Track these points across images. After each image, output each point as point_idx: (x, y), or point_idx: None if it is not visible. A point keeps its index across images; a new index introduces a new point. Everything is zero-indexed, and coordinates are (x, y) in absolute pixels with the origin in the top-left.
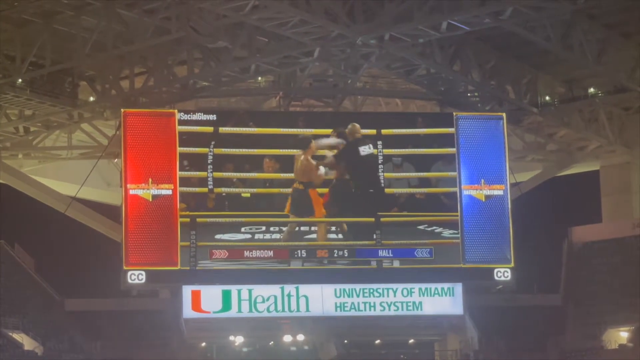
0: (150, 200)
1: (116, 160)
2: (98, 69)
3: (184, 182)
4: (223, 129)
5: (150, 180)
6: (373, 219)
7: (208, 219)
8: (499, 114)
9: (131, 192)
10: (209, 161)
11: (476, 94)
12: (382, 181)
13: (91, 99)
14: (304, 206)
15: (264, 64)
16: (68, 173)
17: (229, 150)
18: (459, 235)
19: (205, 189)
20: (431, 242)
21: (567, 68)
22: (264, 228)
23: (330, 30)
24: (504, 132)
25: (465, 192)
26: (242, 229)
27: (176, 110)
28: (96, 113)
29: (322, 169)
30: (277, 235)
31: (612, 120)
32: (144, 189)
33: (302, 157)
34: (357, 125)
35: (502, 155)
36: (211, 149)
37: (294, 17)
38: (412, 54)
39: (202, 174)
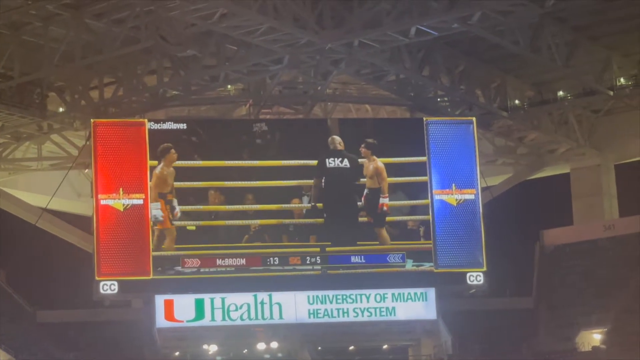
0: (122, 210)
1: (87, 170)
2: (67, 79)
3: None
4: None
5: (121, 190)
6: (318, 249)
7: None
8: (469, 118)
9: (102, 202)
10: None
11: (446, 98)
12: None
13: (60, 109)
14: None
15: (233, 72)
16: (38, 184)
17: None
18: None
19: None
20: (404, 248)
21: (536, 71)
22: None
23: (299, 38)
24: (474, 136)
25: (437, 197)
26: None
27: (146, 120)
28: (66, 124)
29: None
30: (223, 269)
31: (582, 123)
32: (115, 199)
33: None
34: (336, 138)
35: (472, 159)
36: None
37: (263, 25)
38: (382, 59)
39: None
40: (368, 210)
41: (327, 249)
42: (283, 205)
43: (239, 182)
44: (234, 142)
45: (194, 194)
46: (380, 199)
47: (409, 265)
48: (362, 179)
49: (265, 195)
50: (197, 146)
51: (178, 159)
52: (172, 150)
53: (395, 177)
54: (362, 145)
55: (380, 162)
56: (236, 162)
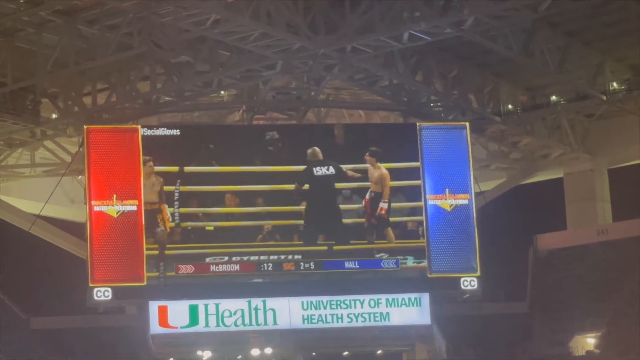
0: (115, 216)
1: (80, 177)
2: (60, 86)
3: None
4: (188, 169)
5: (114, 196)
6: (326, 248)
7: (175, 251)
8: (462, 123)
9: (96, 208)
10: (175, 198)
11: (439, 103)
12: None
13: (54, 116)
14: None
15: (226, 77)
16: (32, 191)
17: (193, 187)
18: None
19: (172, 224)
20: (405, 247)
21: (529, 76)
22: (226, 258)
23: (292, 43)
24: (467, 141)
25: (430, 202)
26: (207, 260)
27: (139, 126)
28: (59, 130)
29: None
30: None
31: (575, 127)
32: (108, 205)
33: None
34: (317, 149)
35: (466, 164)
36: (177, 187)
37: (255, 31)
38: (375, 65)
39: (169, 209)
40: (371, 213)
41: (335, 247)
42: (282, 207)
43: (252, 186)
44: (247, 149)
45: (213, 196)
46: (380, 203)
47: (410, 262)
48: (342, 183)
49: (275, 198)
50: (215, 153)
51: (196, 165)
52: (150, 163)
53: (392, 181)
54: (367, 154)
55: (384, 169)
56: (250, 167)
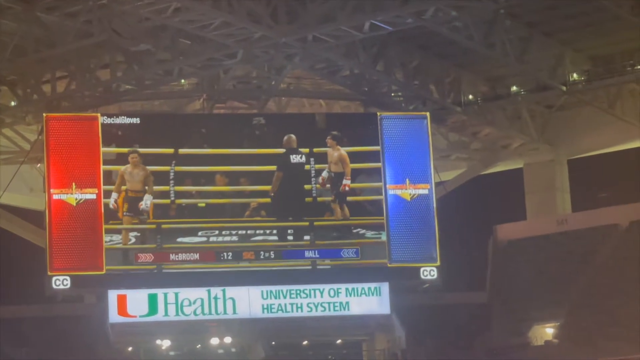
0: (74, 204)
1: (39, 165)
2: (19, 73)
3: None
4: (182, 151)
5: (74, 185)
6: (307, 223)
7: (171, 225)
8: (423, 113)
9: (55, 197)
10: (171, 177)
11: (400, 93)
12: (313, 192)
13: (12, 103)
14: None
15: (187, 66)
16: None
17: (187, 167)
18: (381, 235)
19: (167, 200)
20: (357, 242)
21: (489, 67)
22: (217, 232)
23: (253, 32)
24: (428, 132)
25: (391, 192)
26: (199, 233)
27: (99, 114)
28: (18, 118)
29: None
30: (228, 238)
31: (535, 118)
32: (67, 193)
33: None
34: (293, 136)
35: (426, 154)
36: (172, 167)
37: (217, 19)
38: (336, 54)
39: (165, 187)
40: (331, 190)
41: (315, 222)
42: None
43: (239, 167)
44: (236, 133)
45: (204, 176)
46: (344, 180)
47: (369, 234)
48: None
49: (260, 178)
50: (207, 136)
51: (191, 147)
52: (132, 155)
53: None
54: (329, 137)
55: (343, 150)
56: (238, 150)
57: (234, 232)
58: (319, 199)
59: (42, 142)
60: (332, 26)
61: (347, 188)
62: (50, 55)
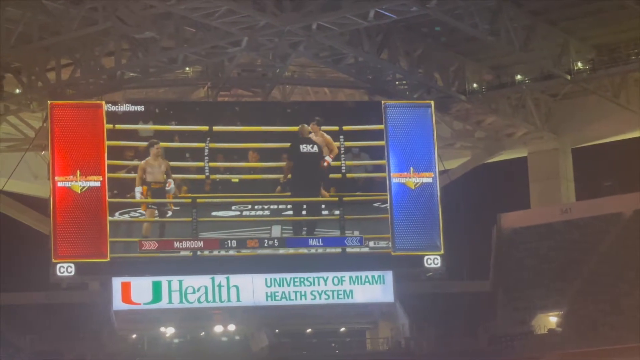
0: (79, 192)
1: (43, 152)
2: (24, 60)
3: (184, 170)
4: (216, 128)
5: (78, 172)
6: (337, 199)
7: (205, 199)
8: (427, 101)
9: (59, 184)
10: (206, 153)
11: (404, 82)
12: (342, 168)
13: (17, 91)
14: None
15: (191, 54)
16: None
17: (221, 144)
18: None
19: (202, 176)
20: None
21: (494, 55)
22: (250, 206)
23: (257, 20)
24: (432, 120)
25: (395, 180)
26: (233, 207)
27: (103, 102)
28: (22, 105)
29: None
30: (260, 212)
31: (539, 106)
32: (72, 181)
33: None
34: (306, 126)
35: (430, 142)
36: (207, 144)
37: (221, 7)
38: (340, 42)
39: (200, 163)
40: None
41: (345, 198)
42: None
43: (273, 144)
44: (269, 113)
45: (237, 153)
46: (326, 157)
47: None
48: (326, 158)
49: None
50: (239, 115)
51: (225, 125)
52: (157, 146)
53: (356, 161)
54: (313, 122)
55: (326, 135)
56: (271, 127)
57: (265, 206)
58: (347, 175)
59: (46, 130)
60: (336, 14)
61: (325, 164)
62: (55, 43)
